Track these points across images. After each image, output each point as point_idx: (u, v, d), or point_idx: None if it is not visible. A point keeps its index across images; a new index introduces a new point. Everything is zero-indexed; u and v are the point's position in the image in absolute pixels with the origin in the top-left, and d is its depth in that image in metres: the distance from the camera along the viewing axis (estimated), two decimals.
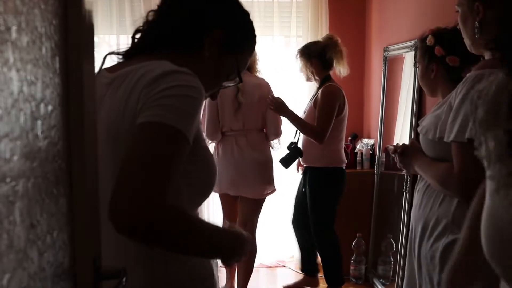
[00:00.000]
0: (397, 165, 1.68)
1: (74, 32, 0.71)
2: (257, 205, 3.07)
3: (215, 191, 3.07)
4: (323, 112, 2.99)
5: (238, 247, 0.99)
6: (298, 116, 3.05)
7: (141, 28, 1.11)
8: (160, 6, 1.10)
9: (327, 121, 2.98)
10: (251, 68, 3.04)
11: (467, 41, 1.44)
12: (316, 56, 3.07)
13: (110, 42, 3.71)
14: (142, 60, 0.99)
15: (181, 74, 0.92)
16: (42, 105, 0.63)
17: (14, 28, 0.56)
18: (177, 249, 0.91)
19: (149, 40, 1.08)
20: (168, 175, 0.83)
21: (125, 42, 3.69)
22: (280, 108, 2.94)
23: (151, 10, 1.10)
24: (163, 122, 0.85)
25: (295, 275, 3.80)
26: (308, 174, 3.16)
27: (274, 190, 3.12)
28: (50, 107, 0.65)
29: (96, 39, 0.88)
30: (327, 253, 3.21)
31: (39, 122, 0.62)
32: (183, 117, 0.88)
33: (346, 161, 3.19)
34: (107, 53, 1.12)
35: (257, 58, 3.09)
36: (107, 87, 1.00)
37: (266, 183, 3.04)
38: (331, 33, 3.28)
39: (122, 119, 0.93)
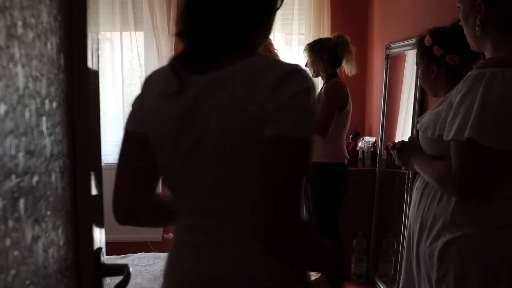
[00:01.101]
0: (395, 162, 1.67)
1: (79, 28, 0.71)
2: None
3: None
4: (325, 106, 3.00)
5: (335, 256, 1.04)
6: None
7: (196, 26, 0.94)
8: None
9: (330, 115, 2.98)
10: None
11: (468, 39, 1.44)
12: (327, 52, 3.07)
13: (112, 39, 3.71)
14: (238, 57, 0.91)
15: (300, 72, 0.88)
16: (47, 101, 0.63)
17: (19, 23, 0.56)
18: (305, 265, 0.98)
19: (227, 36, 0.93)
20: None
21: (127, 39, 3.68)
22: None
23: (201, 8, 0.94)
24: (303, 137, 0.85)
25: None
26: (313, 171, 3.17)
27: None
28: (55, 104, 0.65)
29: (98, 35, 0.87)
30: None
31: (44, 119, 0.62)
32: (313, 126, 0.90)
33: (348, 157, 3.18)
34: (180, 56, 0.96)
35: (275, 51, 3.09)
36: (206, 86, 0.91)
37: None
38: (341, 32, 3.26)
39: (241, 119, 0.87)
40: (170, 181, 0.99)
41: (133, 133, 0.99)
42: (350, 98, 3.09)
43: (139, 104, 0.98)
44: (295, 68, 0.88)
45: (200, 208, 0.94)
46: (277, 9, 0.99)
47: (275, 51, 3.01)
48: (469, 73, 1.33)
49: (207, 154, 0.90)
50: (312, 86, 0.88)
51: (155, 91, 0.96)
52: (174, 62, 0.94)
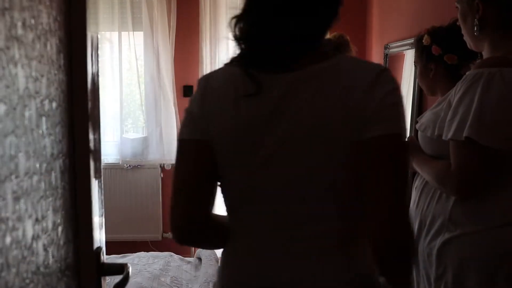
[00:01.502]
0: None
1: (79, 28, 0.71)
2: None
3: None
4: None
5: None
6: None
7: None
8: None
9: None
10: None
11: (466, 38, 1.44)
12: None
13: (111, 39, 3.71)
14: (316, 56, 0.88)
15: (388, 71, 0.87)
16: (46, 102, 0.63)
17: (19, 24, 0.56)
18: None
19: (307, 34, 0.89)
20: None
21: (126, 39, 3.68)
22: None
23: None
24: (405, 134, 0.84)
25: None
26: None
27: None
28: (54, 104, 0.65)
29: (98, 36, 0.87)
30: None
31: (43, 119, 0.62)
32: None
33: None
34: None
35: None
36: (292, 85, 0.86)
37: None
38: (341, 32, 3.27)
39: (338, 118, 0.83)
40: (238, 189, 0.92)
41: (193, 141, 0.91)
42: None
43: (199, 109, 0.92)
44: (383, 68, 0.87)
45: (279, 217, 0.88)
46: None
47: (353, 48, 3.06)
48: (467, 73, 1.33)
49: (293, 156, 0.86)
50: (399, 85, 0.88)
51: (223, 94, 0.90)
52: (240, 63, 0.89)
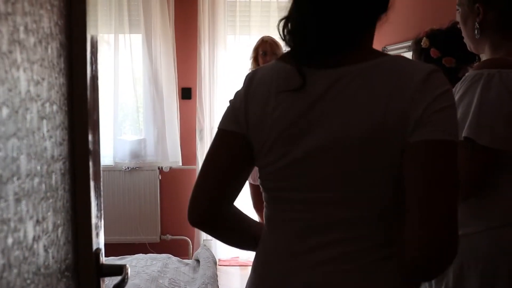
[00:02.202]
0: None
1: (79, 32, 0.72)
2: None
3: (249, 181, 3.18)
4: None
5: None
6: None
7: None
8: None
9: None
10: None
11: (467, 41, 1.45)
12: None
13: (109, 41, 3.71)
14: (363, 53, 0.88)
15: (439, 73, 0.84)
16: (47, 105, 0.64)
17: (21, 28, 0.57)
18: None
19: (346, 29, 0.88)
20: None
21: (122, 41, 3.69)
22: None
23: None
24: (455, 140, 0.81)
25: None
26: None
27: None
28: (55, 107, 0.66)
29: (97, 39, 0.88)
30: None
31: (44, 122, 0.63)
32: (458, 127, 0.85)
33: None
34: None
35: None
36: (336, 80, 0.85)
37: None
38: None
39: (383, 119, 0.81)
40: (271, 187, 0.91)
41: (230, 132, 0.92)
42: None
43: (242, 103, 0.92)
44: (434, 68, 0.84)
45: (308, 220, 0.87)
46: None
47: None
48: (467, 74, 1.35)
49: (329, 156, 0.84)
50: (451, 86, 0.85)
51: (266, 88, 0.90)
52: (288, 59, 0.89)
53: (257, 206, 3.54)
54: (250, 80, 0.94)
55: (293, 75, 0.86)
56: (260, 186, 0.95)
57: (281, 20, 0.91)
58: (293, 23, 0.89)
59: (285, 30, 0.90)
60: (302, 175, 0.86)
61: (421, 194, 0.78)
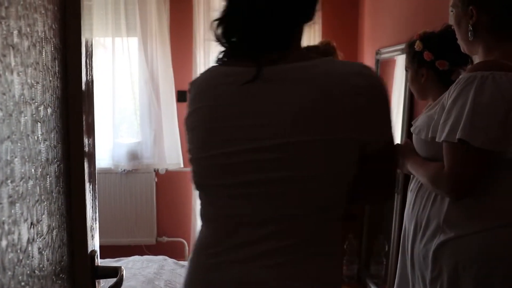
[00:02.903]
0: None
1: (73, 35, 0.73)
2: None
3: None
4: None
5: None
6: None
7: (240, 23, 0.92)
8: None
9: None
10: None
11: (460, 42, 1.46)
12: None
13: (105, 44, 3.71)
14: (297, 55, 0.91)
15: (370, 72, 0.91)
16: (42, 108, 0.64)
17: (15, 32, 0.57)
18: None
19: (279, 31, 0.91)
20: None
21: (119, 44, 3.69)
22: None
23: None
24: (392, 139, 0.94)
25: None
26: None
27: None
28: (49, 110, 0.67)
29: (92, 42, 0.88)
30: None
31: (39, 125, 0.63)
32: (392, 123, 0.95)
33: None
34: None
35: None
36: (265, 80, 0.87)
37: None
38: (328, 39, 3.31)
39: (320, 118, 0.84)
40: (209, 183, 0.93)
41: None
42: None
43: (188, 111, 0.96)
44: (364, 69, 0.89)
45: (255, 213, 0.88)
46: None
47: (339, 55, 3.11)
48: (460, 76, 1.36)
49: (257, 152, 0.86)
50: (383, 84, 0.90)
51: (204, 93, 0.93)
52: (222, 61, 0.93)
53: None
54: (192, 88, 0.97)
55: (239, 74, 0.88)
56: (193, 184, 0.97)
57: (214, 21, 0.93)
58: (227, 24, 0.92)
59: (219, 31, 0.92)
60: (235, 172, 0.88)
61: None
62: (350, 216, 1.00)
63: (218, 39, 0.92)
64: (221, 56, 0.93)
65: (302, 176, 0.84)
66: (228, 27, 0.91)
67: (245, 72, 0.87)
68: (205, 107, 0.91)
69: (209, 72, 0.96)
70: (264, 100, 0.86)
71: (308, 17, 0.94)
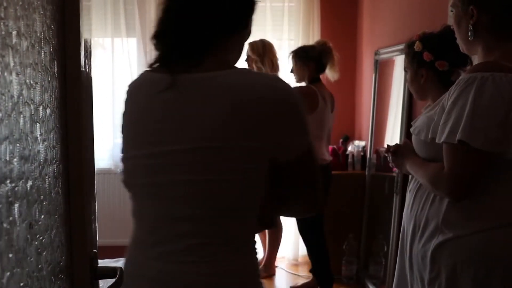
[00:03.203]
0: (390, 164, 1.70)
1: (72, 36, 0.73)
2: None
3: None
4: None
5: None
6: None
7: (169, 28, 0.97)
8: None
9: None
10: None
11: (459, 42, 1.46)
12: (313, 60, 3.15)
13: (104, 45, 3.71)
14: (212, 64, 0.94)
15: (282, 83, 0.95)
16: (40, 109, 0.64)
17: (14, 33, 0.57)
18: None
19: (198, 38, 0.96)
20: None
21: (119, 45, 3.69)
22: None
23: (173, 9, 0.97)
24: (310, 146, 0.96)
25: (287, 275, 3.83)
26: None
27: None
28: (48, 111, 0.67)
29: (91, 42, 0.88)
30: (313, 252, 3.27)
31: (37, 125, 0.63)
32: (309, 128, 0.97)
33: (327, 159, 3.22)
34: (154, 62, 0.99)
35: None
36: (180, 88, 0.92)
37: None
38: (324, 39, 3.33)
39: (229, 131, 0.89)
40: (136, 184, 0.98)
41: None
42: (323, 101, 3.15)
43: (124, 110, 1.00)
44: (275, 81, 0.93)
45: (171, 212, 0.93)
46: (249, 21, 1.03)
47: (335, 56, 3.16)
48: (460, 77, 1.36)
49: (180, 153, 0.90)
50: (296, 97, 0.94)
51: (134, 97, 0.99)
52: (154, 64, 0.97)
53: None
54: (127, 92, 1.02)
55: (158, 80, 0.93)
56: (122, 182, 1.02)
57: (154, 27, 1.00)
58: (157, 31, 0.98)
59: (153, 37, 0.98)
60: (153, 172, 0.93)
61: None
62: (266, 223, 1.01)
63: (153, 45, 0.98)
64: (152, 61, 0.98)
65: (206, 179, 0.90)
66: (157, 34, 0.97)
67: (163, 79, 0.92)
68: (131, 110, 0.98)
69: (140, 76, 1.01)
70: (177, 107, 0.91)
71: (233, 27, 0.98)
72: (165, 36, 0.96)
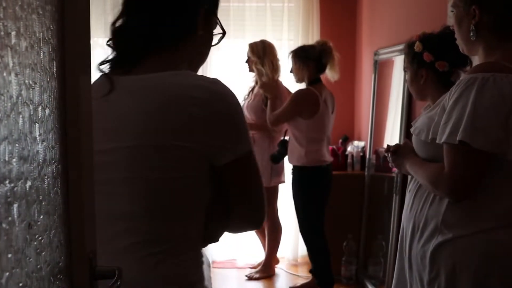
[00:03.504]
0: (390, 164, 1.70)
1: (71, 36, 0.73)
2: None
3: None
4: (283, 109, 3.25)
5: None
6: (274, 98, 3.36)
7: (120, 30, 1.02)
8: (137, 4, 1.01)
9: (282, 113, 3.22)
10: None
11: (460, 42, 1.46)
12: (313, 60, 3.15)
13: (104, 45, 3.71)
14: (155, 65, 0.97)
15: (220, 86, 0.96)
16: (39, 109, 0.64)
17: (13, 33, 0.57)
18: None
19: (144, 40, 0.99)
20: None
21: None
22: (267, 87, 3.40)
23: (124, 12, 1.01)
24: (247, 151, 0.96)
25: (287, 276, 3.83)
26: (292, 173, 3.27)
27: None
28: (47, 111, 0.67)
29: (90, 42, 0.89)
30: (314, 253, 3.27)
31: (37, 126, 0.63)
32: (248, 135, 0.98)
33: (327, 160, 3.23)
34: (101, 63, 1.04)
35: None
36: (119, 89, 0.97)
37: None
38: (324, 39, 3.33)
39: (160, 130, 0.92)
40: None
41: None
42: (324, 104, 3.15)
43: None
44: (213, 87, 0.94)
45: (113, 210, 0.96)
46: (206, 25, 1.04)
47: (336, 55, 3.18)
48: (461, 78, 1.36)
49: (116, 154, 0.94)
50: (232, 100, 0.95)
51: (94, 96, 1.03)
52: (101, 66, 1.01)
53: None
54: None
55: (103, 83, 0.96)
56: None
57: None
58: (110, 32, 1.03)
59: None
60: (97, 170, 0.94)
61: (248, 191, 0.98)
62: (210, 238, 1.01)
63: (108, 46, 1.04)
64: (99, 63, 1.02)
65: (142, 177, 0.93)
66: (110, 37, 1.03)
67: (105, 83, 0.96)
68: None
69: (95, 81, 1.05)
70: (117, 108, 0.95)
71: (175, 29, 1.00)
72: (110, 38, 1.02)
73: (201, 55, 1.09)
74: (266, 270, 3.73)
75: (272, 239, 3.68)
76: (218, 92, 0.94)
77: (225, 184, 0.97)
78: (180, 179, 0.93)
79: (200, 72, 4.09)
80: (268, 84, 3.39)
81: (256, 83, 3.56)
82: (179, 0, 0.99)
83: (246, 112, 3.60)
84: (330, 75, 3.22)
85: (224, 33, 1.11)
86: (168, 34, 0.99)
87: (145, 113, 0.92)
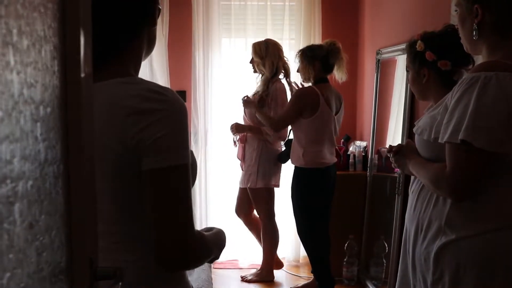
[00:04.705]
0: (392, 164, 1.70)
1: (72, 34, 0.72)
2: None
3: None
4: (286, 106, 3.25)
5: (223, 242, 1.13)
6: (259, 109, 3.38)
7: None
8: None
9: (283, 115, 3.23)
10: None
11: (464, 41, 1.46)
12: (320, 60, 3.13)
13: None
14: (109, 72, 0.99)
15: (164, 95, 0.95)
16: (41, 108, 0.64)
17: (15, 31, 0.57)
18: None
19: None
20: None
21: None
22: (246, 104, 3.43)
23: None
24: (180, 164, 0.93)
25: (288, 276, 3.82)
26: (292, 174, 3.27)
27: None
28: (49, 109, 0.66)
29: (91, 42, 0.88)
30: (311, 254, 3.26)
31: (38, 124, 0.63)
32: (186, 148, 0.94)
33: (328, 162, 3.20)
34: None
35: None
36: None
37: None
38: (333, 39, 3.30)
39: (106, 138, 0.94)
40: None
41: None
42: (326, 104, 3.13)
43: None
44: (159, 97, 0.94)
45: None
46: (149, 29, 1.05)
47: (343, 56, 3.20)
48: (464, 77, 1.35)
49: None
50: (175, 110, 0.94)
51: None
52: None
53: (238, 210, 3.67)
54: None
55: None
56: None
57: None
58: None
59: None
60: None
61: (156, 214, 0.93)
62: (162, 260, 0.97)
63: None
64: None
65: (102, 179, 0.94)
66: None
67: None
68: None
69: None
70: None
71: (114, 37, 1.00)
72: None
73: (147, 53, 1.09)
74: (264, 275, 3.66)
75: (267, 243, 3.61)
76: (158, 100, 0.95)
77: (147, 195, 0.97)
78: (118, 184, 0.97)
79: (201, 70, 4.11)
80: (246, 100, 3.44)
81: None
82: (119, 15, 1.00)
83: (243, 113, 3.58)
84: (337, 76, 3.20)
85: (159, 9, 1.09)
86: (112, 45, 1.01)
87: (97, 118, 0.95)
